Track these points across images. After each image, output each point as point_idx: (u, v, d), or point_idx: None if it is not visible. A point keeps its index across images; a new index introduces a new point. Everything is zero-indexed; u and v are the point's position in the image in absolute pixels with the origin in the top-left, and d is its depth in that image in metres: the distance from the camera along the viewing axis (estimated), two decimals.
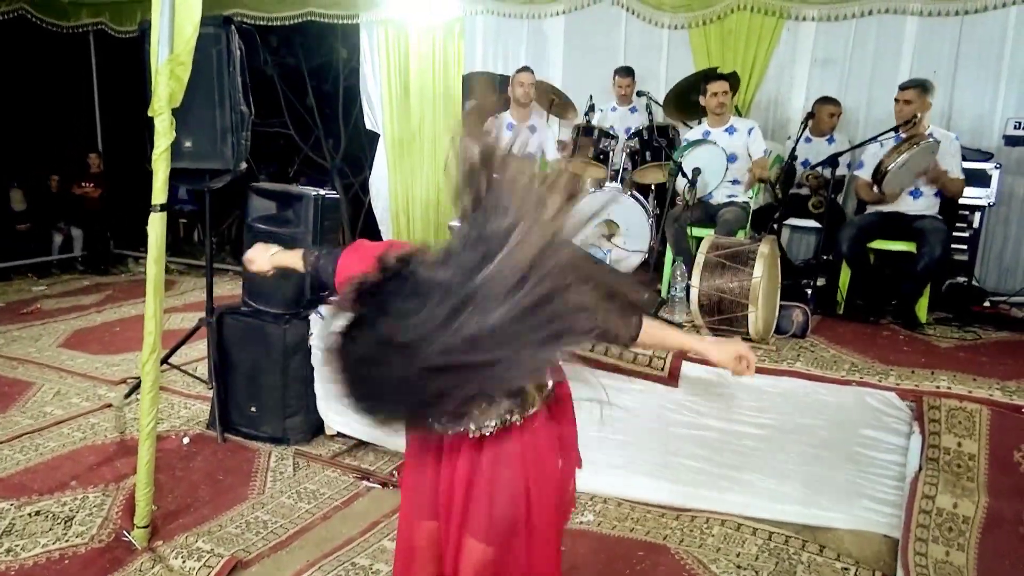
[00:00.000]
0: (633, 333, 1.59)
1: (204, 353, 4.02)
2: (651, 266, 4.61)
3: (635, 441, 3.14)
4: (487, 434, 1.64)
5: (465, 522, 1.64)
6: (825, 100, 4.93)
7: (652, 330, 1.64)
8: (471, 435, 1.64)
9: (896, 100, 4.04)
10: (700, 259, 3.27)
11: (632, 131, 5.09)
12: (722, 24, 5.43)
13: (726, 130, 4.48)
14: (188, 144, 3.40)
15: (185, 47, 2.53)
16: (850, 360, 3.15)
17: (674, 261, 4.14)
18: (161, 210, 2.59)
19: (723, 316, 3.24)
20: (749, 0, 5.27)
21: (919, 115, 3.96)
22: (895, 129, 4.05)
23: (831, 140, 4.96)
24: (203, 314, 3.81)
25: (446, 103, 6.26)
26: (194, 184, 3.73)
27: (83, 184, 7.79)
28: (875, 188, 4.03)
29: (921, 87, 3.98)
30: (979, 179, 4.44)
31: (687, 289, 3.41)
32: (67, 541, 2.71)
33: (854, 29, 5.19)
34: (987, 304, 4.33)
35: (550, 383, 1.74)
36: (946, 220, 4.10)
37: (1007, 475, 2.55)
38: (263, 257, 1.98)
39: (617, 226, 4.84)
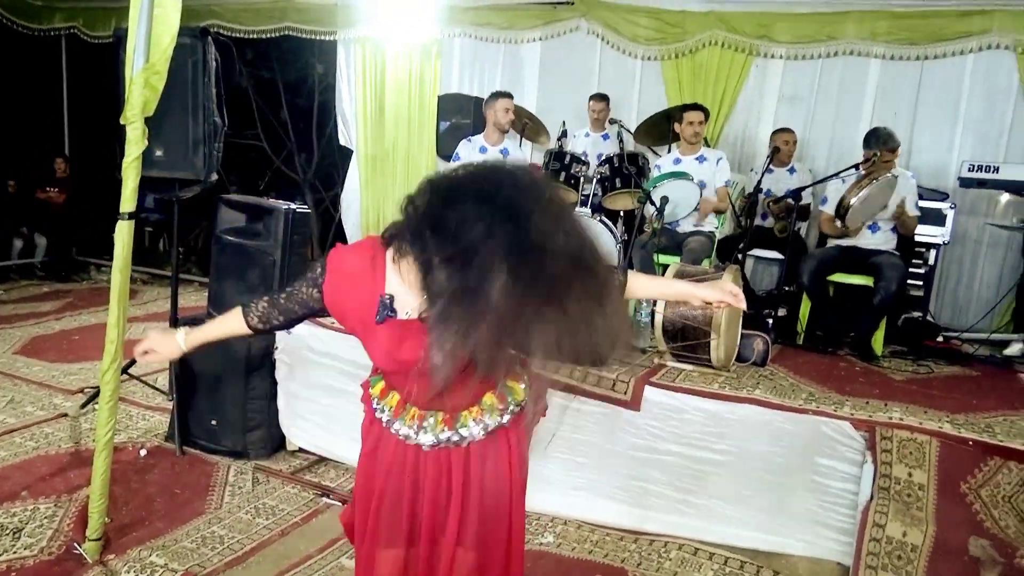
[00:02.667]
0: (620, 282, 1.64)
1: (165, 364, 3.97)
2: None
3: (596, 463, 3.17)
4: (477, 439, 1.66)
5: (460, 535, 1.64)
6: (780, 130, 5.10)
7: (640, 282, 1.75)
8: (462, 445, 1.65)
9: (886, 161, 4.11)
10: None
11: (603, 158, 5.18)
12: (693, 58, 5.57)
13: (697, 159, 4.60)
14: (159, 153, 3.39)
15: (161, 57, 2.54)
16: (808, 389, 3.22)
17: None
18: (129, 218, 2.58)
19: (686, 342, 3.29)
20: (720, 36, 5.43)
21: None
22: (856, 167, 4.19)
23: (792, 170, 5.10)
24: (166, 324, 3.76)
25: (420, 123, 6.30)
26: (163, 193, 3.71)
27: (47, 189, 7.65)
28: (839, 223, 4.14)
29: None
30: (935, 218, 4.60)
31: (652, 315, 3.46)
32: (15, 553, 2.64)
33: (820, 69, 5.36)
34: (940, 339, 4.46)
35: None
36: (903, 257, 4.23)
37: (954, 505, 2.62)
38: (166, 343, 1.78)
39: None
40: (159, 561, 2.65)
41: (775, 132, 5.10)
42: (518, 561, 1.75)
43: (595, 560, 2.86)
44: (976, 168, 4.35)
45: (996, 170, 4.30)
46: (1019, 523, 2.54)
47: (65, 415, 3.88)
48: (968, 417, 2.94)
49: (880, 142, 4.12)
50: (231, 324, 1.76)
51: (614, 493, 3.14)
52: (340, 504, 3.18)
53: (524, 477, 1.75)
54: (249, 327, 1.73)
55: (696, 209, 4.50)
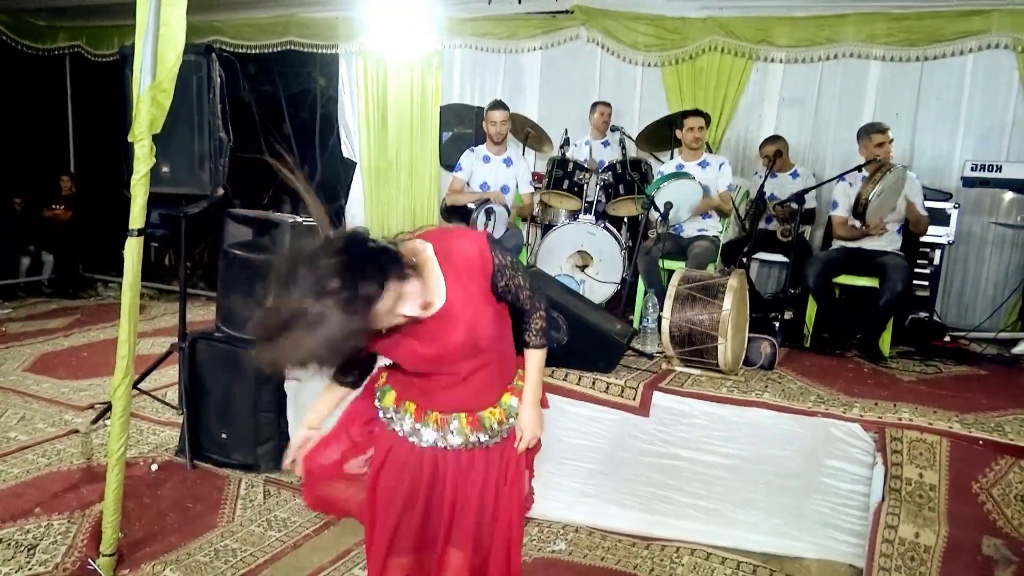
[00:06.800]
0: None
1: (175, 379, 3.99)
2: (624, 297, 4.68)
3: (606, 470, 3.17)
4: (499, 441, 1.71)
5: (449, 535, 1.66)
6: (766, 142, 5.09)
7: (529, 359, 1.77)
8: (488, 446, 1.70)
9: (880, 144, 4.06)
10: (671, 291, 3.34)
11: (605, 165, 5.20)
12: (694, 64, 5.60)
13: (699, 164, 4.61)
14: (166, 169, 3.41)
15: (167, 75, 2.56)
16: (816, 392, 3.23)
17: (646, 293, 4.21)
18: (138, 235, 2.60)
19: (693, 347, 3.30)
20: (719, 42, 5.45)
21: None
22: (859, 168, 4.19)
23: (795, 174, 5.11)
24: (174, 339, 3.78)
25: (423, 134, 6.34)
26: (170, 209, 3.74)
27: (53, 207, 7.70)
28: (857, 223, 4.12)
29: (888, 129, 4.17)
30: (939, 218, 4.59)
31: (659, 320, 3.47)
32: (30, 570, 2.65)
33: (820, 71, 5.38)
34: (947, 339, 4.46)
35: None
36: (907, 257, 4.23)
37: (966, 505, 2.62)
38: (302, 445, 1.81)
39: (591, 257, 4.93)
40: (173, 575, 2.66)
41: (762, 145, 5.11)
42: (517, 568, 1.78)
43: (607, 567, 2.85)
44: (979, 167, 4.35)
45: (999, 169, 4.30)
46: None
47: (76, 431, 3.90)
48: (978, 416, 2.94)
49: (866, 131, 4.15)
50: (333, 394, 1.82)
51: (624, 499, 3.14)
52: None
53: (521, 477, 1.81)
54: (344, 385, 1.79)
55: (707, 215, 4.52)
